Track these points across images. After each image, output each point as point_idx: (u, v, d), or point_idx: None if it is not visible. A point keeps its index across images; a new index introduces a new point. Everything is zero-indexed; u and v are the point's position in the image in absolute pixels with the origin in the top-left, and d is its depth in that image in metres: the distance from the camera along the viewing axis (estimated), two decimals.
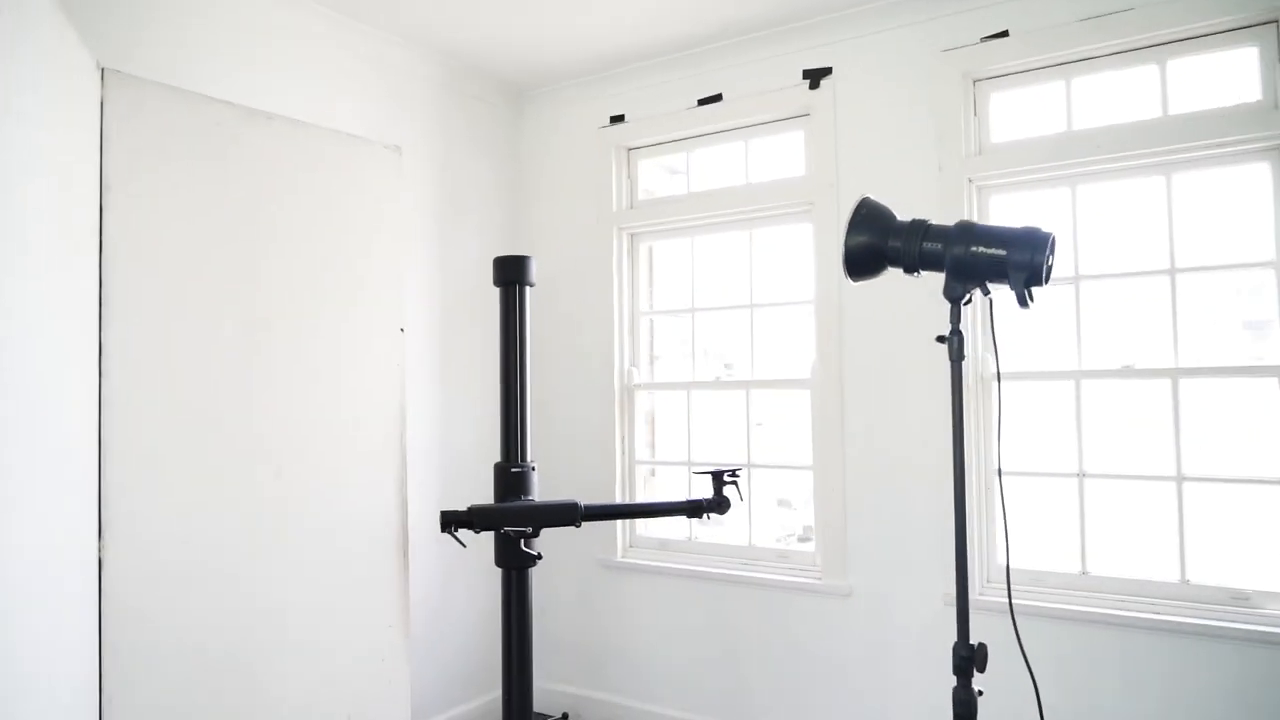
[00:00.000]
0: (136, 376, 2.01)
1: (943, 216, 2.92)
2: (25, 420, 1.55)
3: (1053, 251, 1.68)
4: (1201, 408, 2.66)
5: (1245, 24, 2.56)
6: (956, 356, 1.72)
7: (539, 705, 3.79)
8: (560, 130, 3.87)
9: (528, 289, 2.87)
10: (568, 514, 2.68)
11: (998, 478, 1.88)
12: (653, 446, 3.84)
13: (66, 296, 1.76)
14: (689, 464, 3.65)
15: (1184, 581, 2.64)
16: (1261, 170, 2.59)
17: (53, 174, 1.68)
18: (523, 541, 2.73)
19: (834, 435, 3.17)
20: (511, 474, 2.84)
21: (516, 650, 2.79)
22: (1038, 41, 2.81)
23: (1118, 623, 2.66)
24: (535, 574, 3.89)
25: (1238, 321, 2.72)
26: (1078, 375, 2.82)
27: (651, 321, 3.86)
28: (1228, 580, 2.59)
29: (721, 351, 3.78)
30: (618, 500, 3.68)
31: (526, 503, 2.75)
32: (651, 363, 3.87)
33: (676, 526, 3.66)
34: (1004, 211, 2.98)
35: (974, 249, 1.68)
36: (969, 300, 1.74)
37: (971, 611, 2.87)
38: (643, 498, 3.76)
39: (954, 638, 2.87)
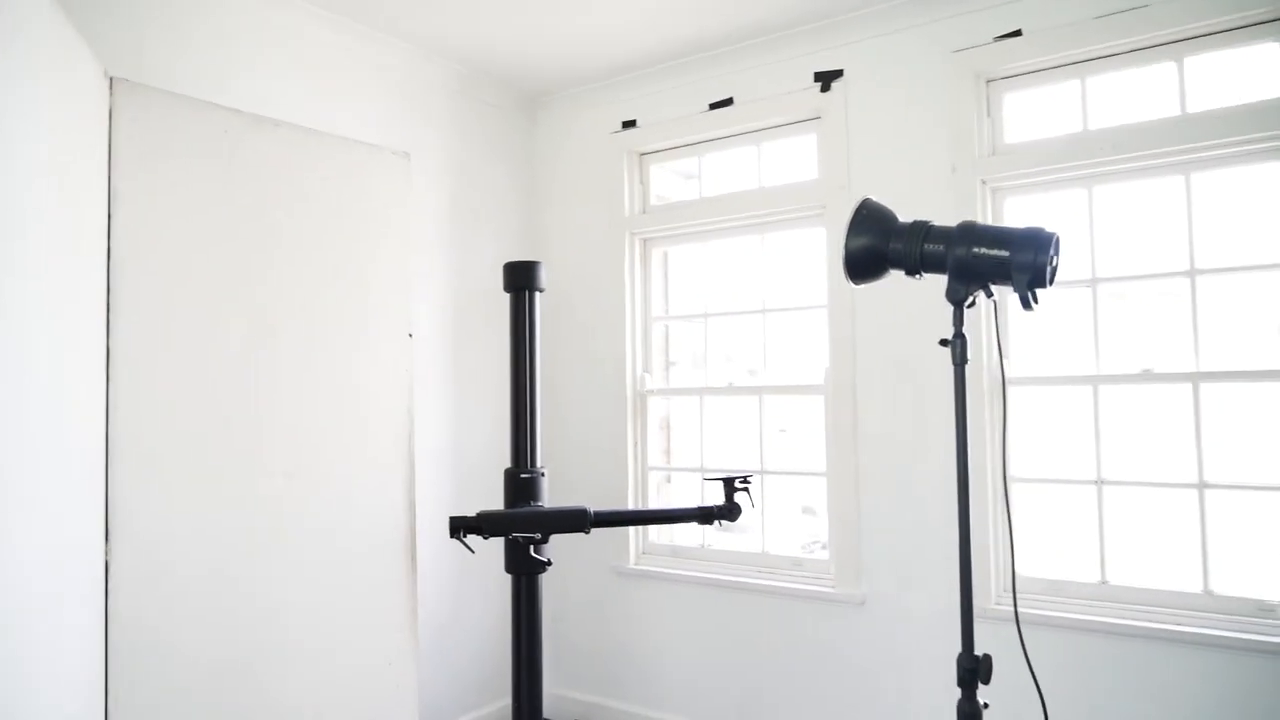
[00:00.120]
0: (143, 380, 2.03)
1: (956, 219, 2.88)
2: (35, 422, 1.56)
3: (1057, 252, 1.64)
4: (1223, 413, 2.59)
5: (1265, 19, 2.49)
6: (960, 360, 1.69)
7: (552, 712, 3.78)
8: (573, 136, 3.87)
9: (537, 294, 2.88)
10: (577, 520, 2.67)
11: (1003, 484, 1.83)
12: (668, 453, 3.82)
13: (72, 301, 1.78)
14: (702, 470, 3.63)
15: (1207, 592, 2.57)
16: None
17: (61, 181, 1.70)
18: (532, 547, 2.73)
19: (847, 441, 3.13)
20: (521, 479, 2.84)
21: (526, 656, 2.78)
22: (1052, 40, 2.76)
23: (1139, 634, 2.60)
24: (548, 580, 3.88)
25: (1260, 324, 2.65)
26: (1095, 380, 2.76)
27: (667, 327, 3.84)
28: (1253, 591, 2.52)
29: (744, 357, 3.76)
30: (630, 507, 3.66)
31: (536, 508, 2.74)
32: (668, 368, 3.86)
33: (689, 533, 3.63)
34: (1019, 213, 2.93)
35: (976, 250, 1.64)
36: (973, 303, 1.71)
37: (987, 621, 2.82)
38: (657, 504, 3.74)
39: None
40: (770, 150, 3.45)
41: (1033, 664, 2.75)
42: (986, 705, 1.66)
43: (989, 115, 2.93)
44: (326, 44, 3.09)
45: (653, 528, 3.68)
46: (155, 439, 2.04)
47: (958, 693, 2.87)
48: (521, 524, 2.64)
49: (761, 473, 3.44)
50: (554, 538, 3.79)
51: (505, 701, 3.67)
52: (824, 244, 3.22)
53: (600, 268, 3.77)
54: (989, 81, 2.93)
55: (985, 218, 2.92)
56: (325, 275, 2.44)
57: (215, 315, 2.18)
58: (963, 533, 1.68)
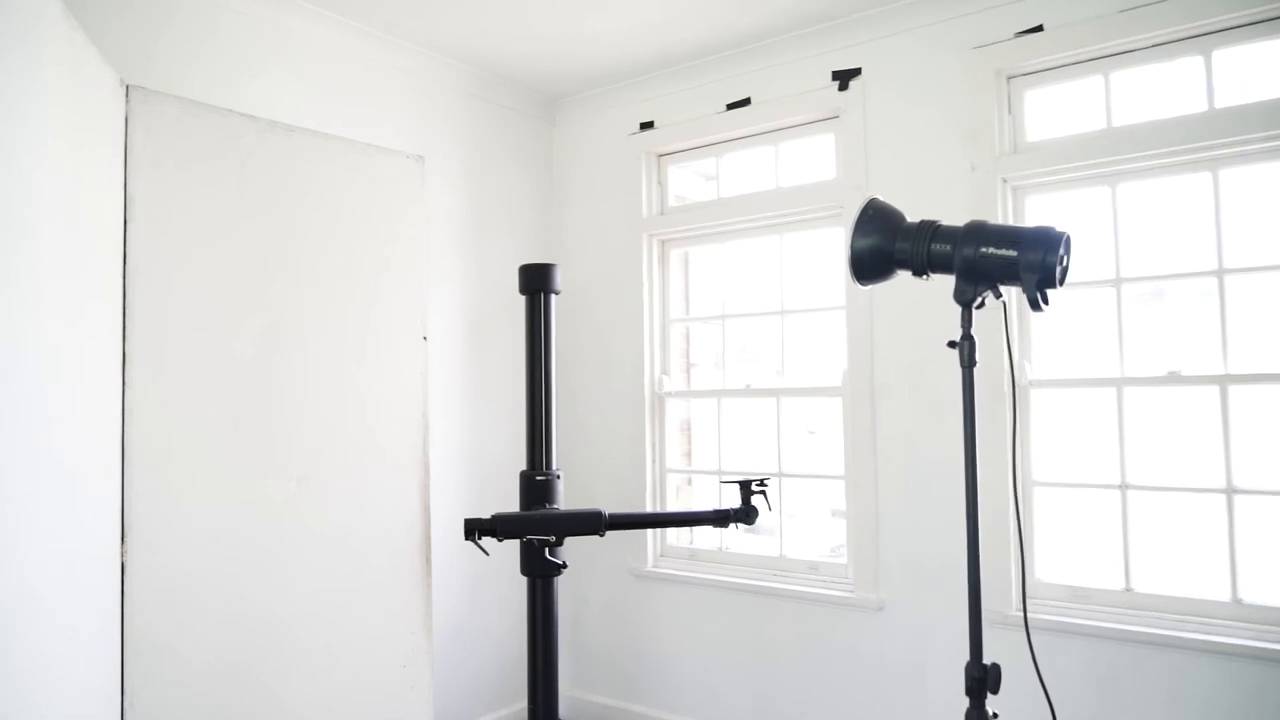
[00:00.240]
0: (159, 383, 2.05)
1: (975, 218, 2.83)
2: (54, 421, 1.59)
3: (1068, 251, 1.60)
4: (1253, 416, 2.51)
5: None
6: (968, 363, 1.65)
7: (568, 714, 3.77)
8: (591, 137, 3.87)
9: (553, 296, 2.87)
10: (591, 522, 2.66)
11: (1012, 489, 1.79)
12: (689, 455, 3.80)
13: (93, 299, 1.81)
14: (719, 473, 3.60)
15: (1236, 600, 2.50)
16: None
17: (76, 186, 1.73)
18: (547, 550, 2.73)
19: (865, 444, 3.09)
20: (536, 482, 2.84)
21: (542, 658, 2.78)
22: (1074, 35, 2.70)
23: (1164, 643, 2.53)
24: (566, 582, 3.88)
25: None
26: (1120, 382, 2.69)
27: (688, 328, 3.83)
28: None
29: (763, 359, 3.72)
30: (648, 509, 3.64)
31: (550, 511, 2.74)
32: (688, 370, 3.84)
33: (707, 536, 3.61)
34: (1041, 212, 2.87)
35: (984, 250, 1.61)
36: (981, 304, 1.67)
37: (1006, 628, 2.76)
38: (676, 507, 3.72)
39: (989, 657, 2.76)
40: (788, 150, 3.42)
41: (1055, 673, 2.69)
42: (996, 716, 1.62)
43: (1010, 112, 2.88)
44: (341, 49, 3.12)
45: (671, 531, 3.66)
46: (170, 441, 2.07)
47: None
48: (536, 526, 2.63)
49: (780, 475, 3.40)
50: (572, 540, 3.81)
51: (522, 704, 3.68)
52: (842, 244, 3.19)
53: (618, 269, 3.76)
54: (1010, 78, 2.88)
55: (1006, 217, 2.86)
56: (339, 278, 2.46)
57: (229, 318, 2.20)
58: (971, 537, 1.64)
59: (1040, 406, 2.84)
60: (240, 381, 2.22)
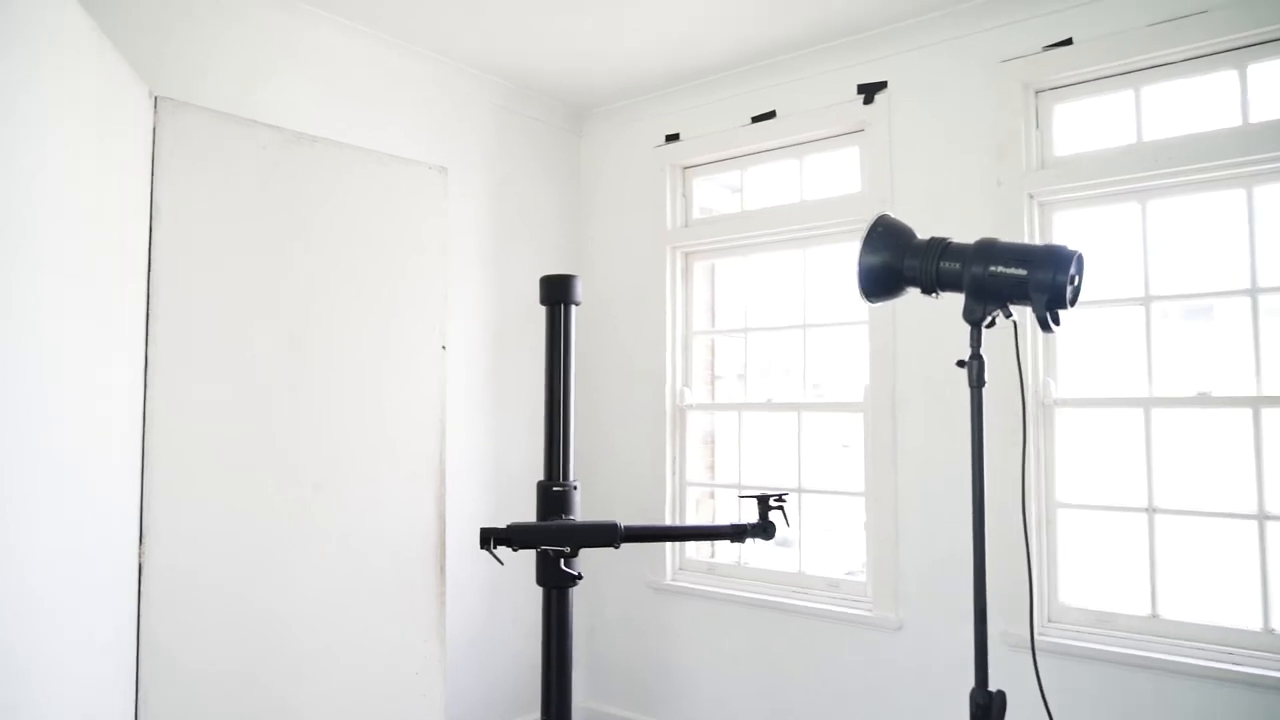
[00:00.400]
0: (179, 388, 2.09)
1: (1002, 234, 2.79)
2: (74, 423, 1.63)
3: (1079, 270, 1.57)
4: None
5: None
6: (976, 383, 1.63)
7: None
8: (617, 149, 3.89)
9: (574, 308, 2.89)
10: (606, 534, 2.65)
11: (1021, 508, 1.76)
12: (712, 469, 3.79)
13: (119, 304, 1.86)
14: (739, 487, 3.58)
15: (1268, 630, 2.42)
16: None
17: (102, 195, 1.78)
18: (563, 561, 2.73)
19: (886, 460, 3.05)
20: (553, 493, 2.84)
21: (555, 669, 2.77)
22: (1104, 49, 2.66)
23: (1192, 672, 2.45)
24: (584, 594, 3.88)
25: None
26: (1148, 403, 2.63)
27: (713, 341, 3.81)
28: None
29: (786, 372, 3.69)
30: (667, 522, 3.63)
31: (565, 522, 2.74)
32: (713, 383, 3.83)
33: (726, 550, 3.59)
34: (1068, 228, 2.82)
35: (993, 268, 1.58)
36: (992, 323, 1.64)
37: (1025, 652, 2.70)
38: (695, 520, 3.71)
39: (1009, 681, 2.70)
40: (812, 164, 3.40)
41: (1076, 699, 2.62)
42: None
43: (1037, 127, 2.83)
44: (365, 60, 3.16)
45: (690, 544, 3.65)
46: (189, 445, 2.11)
47: None
48: (550, 537, 2.63)
49: (799, 491, 3.37)
50: (591, 552, 3.81)
51: (538, 714, 3.68)
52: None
53: (642, 281, 3.76)
54: (1038, 92, 2.83)
55: (1032, 233, 2.82)
56: (359, 288, 2.49)
57: (249, 326, 2.24)
58: (977, 558, 1.61)
59: (1066, 426, 2.78)
60: (259, 388, 2.25)
